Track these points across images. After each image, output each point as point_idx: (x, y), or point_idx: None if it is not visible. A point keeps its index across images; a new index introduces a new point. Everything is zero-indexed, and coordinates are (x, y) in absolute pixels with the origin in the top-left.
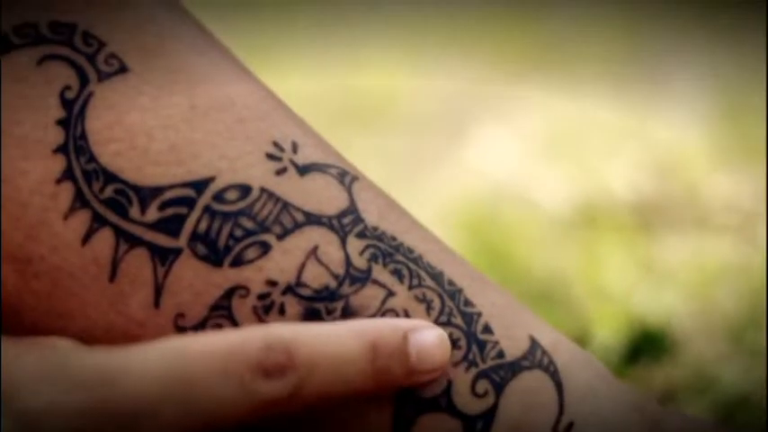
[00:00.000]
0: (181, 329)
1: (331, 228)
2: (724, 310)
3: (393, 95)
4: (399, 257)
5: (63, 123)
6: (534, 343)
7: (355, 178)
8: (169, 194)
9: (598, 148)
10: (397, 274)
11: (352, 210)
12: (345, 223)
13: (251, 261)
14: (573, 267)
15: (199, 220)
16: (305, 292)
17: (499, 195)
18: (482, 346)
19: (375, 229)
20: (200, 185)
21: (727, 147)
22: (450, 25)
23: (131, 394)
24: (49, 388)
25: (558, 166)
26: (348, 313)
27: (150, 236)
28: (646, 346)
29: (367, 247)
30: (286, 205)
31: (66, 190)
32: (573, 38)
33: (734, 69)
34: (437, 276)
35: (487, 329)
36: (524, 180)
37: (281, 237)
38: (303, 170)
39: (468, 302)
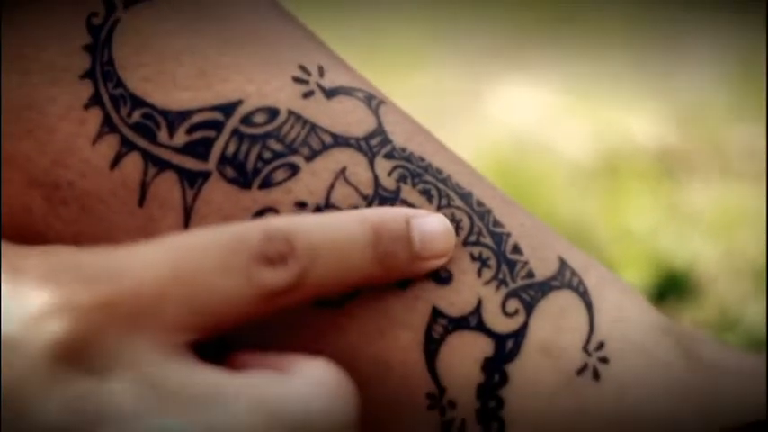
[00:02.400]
0: None
1: (359, 149)
2: (746, 253)
3: (416, 56)
4: (428, 177)
5: (90, 49)
6: (564, 263)
7: (382, 102)
8: (197, 118)
9: (621, 101)
10: (426, 194)
11: (379, 131)
12: (373, 144)
13: (279, 183)
14: (597, 213)
15: (227, 143)
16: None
17: (523, 147)
18: (512, 265)
19: (403, 150)
20: (228, 109)
21: (746, 101)
22: None
23: (133, 290)
24: (53, 285)
25: (581, 118)
26: None
27: (179, 159)
28: (671, 287)
29: (395, 167)
30: (314, 127)
31: (94, 115)
32: None
33: (753, 28)
34: (466, 197)
35: (517, 249)
36: (548, 132)
37: (309, 158)
38: (330, 93)
39: (497, 223)
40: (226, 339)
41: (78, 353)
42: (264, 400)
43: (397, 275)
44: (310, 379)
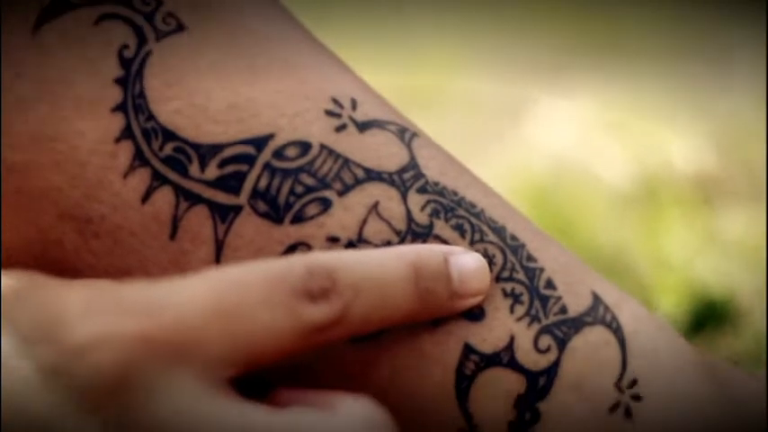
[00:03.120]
0: None
1: (392, 183)
2: None
3: (452, 77)
4: (461, 212)
5: (121, 82)
6: (597, 299)
7: (415, 135)
8: (229, 152)
9: (660, 126)
10: (459, 229)
11: (412, 165)
12: (406, 179)
13: (312, 217)
14: (636, 239)
15: (259, 177)
16: (366, 248)
17: (561, 170)
18: (544, 301)
19: (436, 184)
20: (259, 143)
21: None
22: (508, 7)
23: (175, 324)
24: (96, 317)
25: (618, 142)
26: None
27: (210, 193)
28: (708, 316)
29: (428, 202)
30: (346, 162)
31: (126, 149)
32: (633, 15)
33: None
34: (499, 231)
35: (550, 285)
36: (585, 155)
37: (341, 193)
38: (362, 126)
39: (530, 257)
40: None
41: (120, 385)
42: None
43: (435, 313)
44: (354, 417)
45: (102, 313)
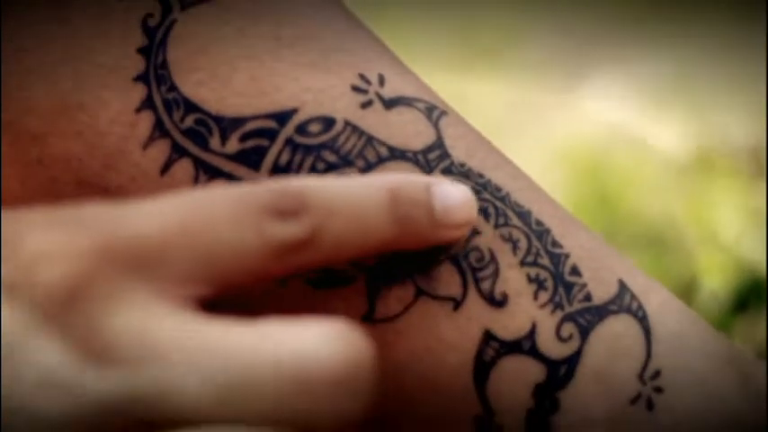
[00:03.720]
0: None
1: (416, 163)
2: None
3: (510, 40)
4: (486, 195)
5: (144, 51)
6: (623, 287)
7: (444, 113)
8: (251, 125)
9: (717, 95)
10: (484, 212)
11: (438, 145)
12: (431, 159)
13: None
14: (685, 213)
15: (280, 153)
16: None
17: (614, 139)
18: (569, 288)
19: (462, 165)
20: (282, 117)
21: None
22: None
23: (135, 236)
24: (50, 231)
25: (675, 112)
26: None
27: (230, 167)
28: (754, 295)
29: None
30: (370, 139)
31: (146, 119)
32: None
33: None
34: (524, 215)
35: (575, 271)
36: (640, 125)
37: (364, 171)
38: (389, 103)
39: (555, 243)
40: None
41: (74, 297)
42: (281, 343)
43: (418, 241)
44: (331, 331)
45: (57, 226)
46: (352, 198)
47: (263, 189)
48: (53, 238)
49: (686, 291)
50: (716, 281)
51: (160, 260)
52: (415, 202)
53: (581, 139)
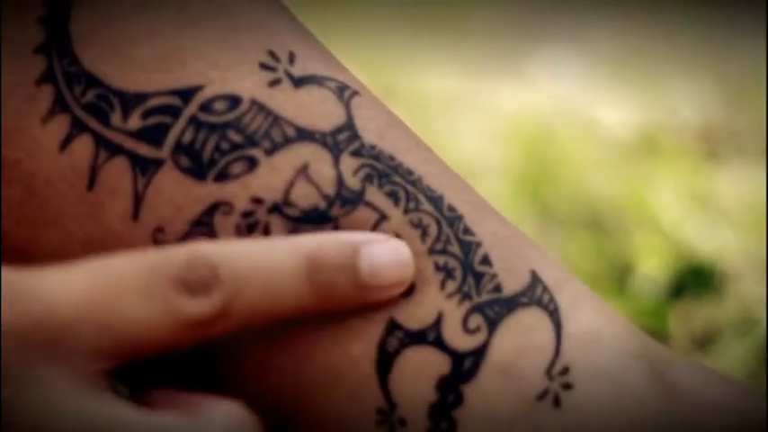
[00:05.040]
0: (160, 244)
1: (324, 145)
2: None
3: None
4: (396, 179)
5: (45, 22)
6: (536, 279)
7: (356, 93)
8: (153, 102)
9: (667, 73)
10: (393, 196)
11: (348, 126)
12: (340, 140)
13: (236, 176)
14: (626, 194)
15: (184, 131)
16: (292, 212)
17: (559, 115)
18: (478, 278)
19: (372, 147)
20: (186, 94)
21: None
22: None
23: (45, 313)
24: None
25: (624, 87)
26: None
27: (131, 144)
28: (691, 281)
29: (362, 166)
30: (277, 119)
31: (46, 92)
32: None
33: None
34: (436, 200)
35: (486, 261)
36: (587, 101)
37: (269, 152)
38: (298, 82)
39: (467, 230)
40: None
41: None
42: None
43: (340, 305)
44: (215, 421)
45: None
46: (266, 267)
47: (174, 259)
48: None
49: (622, 274)
50: (652, 265)
51: (67, 336)
52: (337, 267)
53: (526, 113)
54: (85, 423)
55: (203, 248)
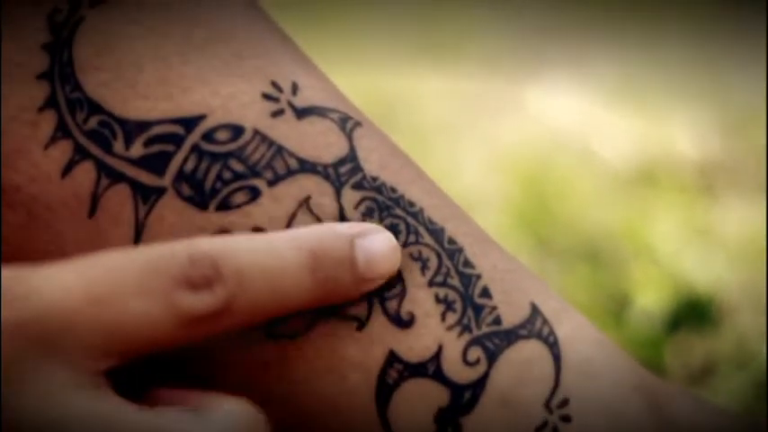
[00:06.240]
0: None
1: (326, 177)
2: None
3: (462, 37)
4: (397, 211)
5: (49, 48)
6: (535, 311)
7: (358, 124)
8: (156, 130)
9: (667, 104)
10: (394, 229)
11: (351, 158)
12: (342, 172)
13: (238, 206)
14: (624, 226)
15: (186, 160)
16: None
17: (558, 145)
18: (478, 310)
19: (374, 179)
20: (189, 123)
21: None
22: None
23: (45, 310)
24: None
25: (623, 119)
26: None
27: (134, 172)
28: (689, 314)
29: (363, 199)
30: (280, 150)
31: (48, 118)
32: None
33: None
34: (437, 233)
35: (485, 293)
36: (586, 131)
37: (271, 183)
38: (301, 113)
39: (468, 263)
40: (167, 365)
41: None
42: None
43: (340, 298)
44: (223, 418)
45: None
46: (268, 263)
47: (175, 254)
48: None
49: (620, 306)
50: (650, 298)
51: (67, 334)
52: (338, 261)
53: (524, 144)
54: (85, 421)
55: (203, 244)
